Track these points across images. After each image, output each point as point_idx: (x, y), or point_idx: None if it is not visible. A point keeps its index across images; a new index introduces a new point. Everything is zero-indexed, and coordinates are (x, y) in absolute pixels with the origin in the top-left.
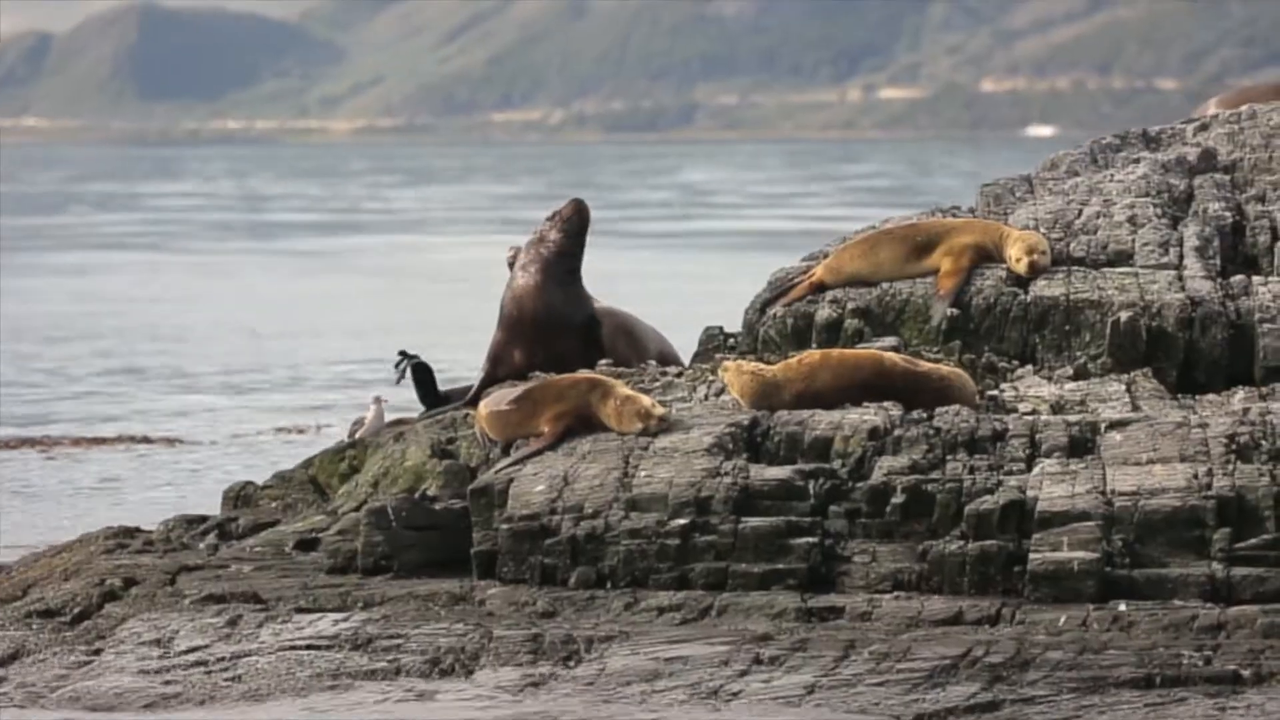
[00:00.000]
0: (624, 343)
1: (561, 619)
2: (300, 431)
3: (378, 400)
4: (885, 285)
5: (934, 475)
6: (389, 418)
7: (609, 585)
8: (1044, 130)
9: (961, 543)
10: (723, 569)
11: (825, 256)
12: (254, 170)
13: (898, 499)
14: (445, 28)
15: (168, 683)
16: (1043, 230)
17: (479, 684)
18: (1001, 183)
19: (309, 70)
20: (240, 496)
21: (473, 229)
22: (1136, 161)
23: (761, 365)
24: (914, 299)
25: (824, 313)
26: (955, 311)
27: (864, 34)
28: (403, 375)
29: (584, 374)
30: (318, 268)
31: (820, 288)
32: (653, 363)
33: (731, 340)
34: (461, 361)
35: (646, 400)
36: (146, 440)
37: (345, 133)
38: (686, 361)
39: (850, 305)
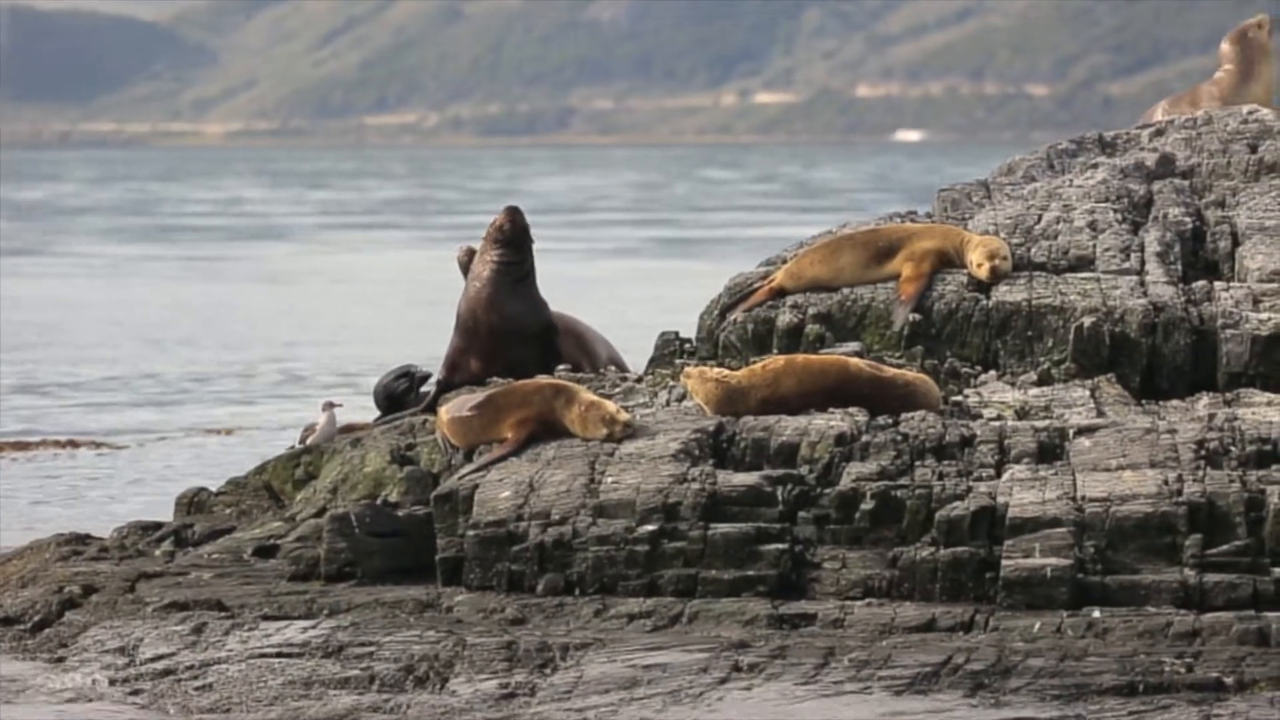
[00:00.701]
0: (573, 346)
1: (532, 626)
2: (229, 433)
3: (329, 406)
4: (846, 290)
5: (903, 481)
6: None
7: (578, 592)
8: (912, 135)
9: (932, 549)
10: (692, 575)
11: (784, 262)
12: (131, 173)
13: (867, 505)
14: (319, 31)
15: (135, 691)
16: (1003, 235)
17: (455, 693)
18: (959, 188)
19: (182, 73)
20: (194, 503)
21: (368, 232)
22: (1095, 167)
23: (725, 371)
24: (875, 304)
25: (785, 318)
26: (917, 317)
27: (739, 39)
28: (417, 387)
29: (547, 379)
30: (212, 271)
31: (780, 293)
32: (612, 368)
33: (688, 345)
34: (363, 361)
35: (611, 406)
36: (73, 445)
37: (219, 136)
38: (633, 367)
39: (811, 310)
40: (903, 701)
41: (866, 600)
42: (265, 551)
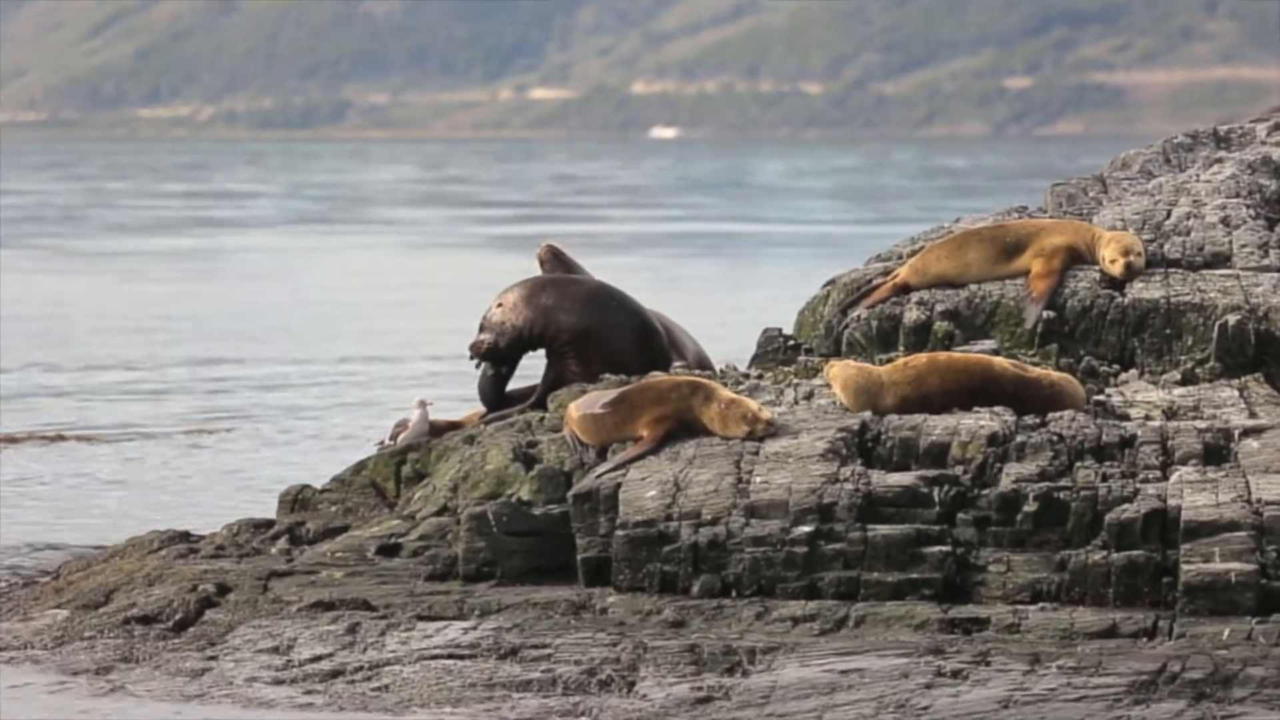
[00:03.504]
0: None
1: (694, 629)
2: (211, 433)
3: (422, 403)
4: (974, 287)
5: (1064, 483)
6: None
7: (734, 594)
8: (668, 132)
9: (1104, 553)
10: (854, 578)
11: (900, 258)
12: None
13: (1029, 507)
14: (91, 21)
15: (309, 691)
16: (1132, 231)
17: (645, 696)
18: (1074, 182)
19: None
20: (298, 500)
21: (178, 226)
22: (1219, 161)
23: (868, 365)
24: (1005, 301)
25: (912, 315)
26: (1050, 314)
27: (515, 34)
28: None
29: (683, 376)
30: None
31: (904, 289)
32: (736, 365)
33: (791, 341)
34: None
35: (752, 404)
36: (60, 438)
37: None
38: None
39: (939, 307)
40: (1123, 711)
41: (1039, 605)
42: (389, 550)
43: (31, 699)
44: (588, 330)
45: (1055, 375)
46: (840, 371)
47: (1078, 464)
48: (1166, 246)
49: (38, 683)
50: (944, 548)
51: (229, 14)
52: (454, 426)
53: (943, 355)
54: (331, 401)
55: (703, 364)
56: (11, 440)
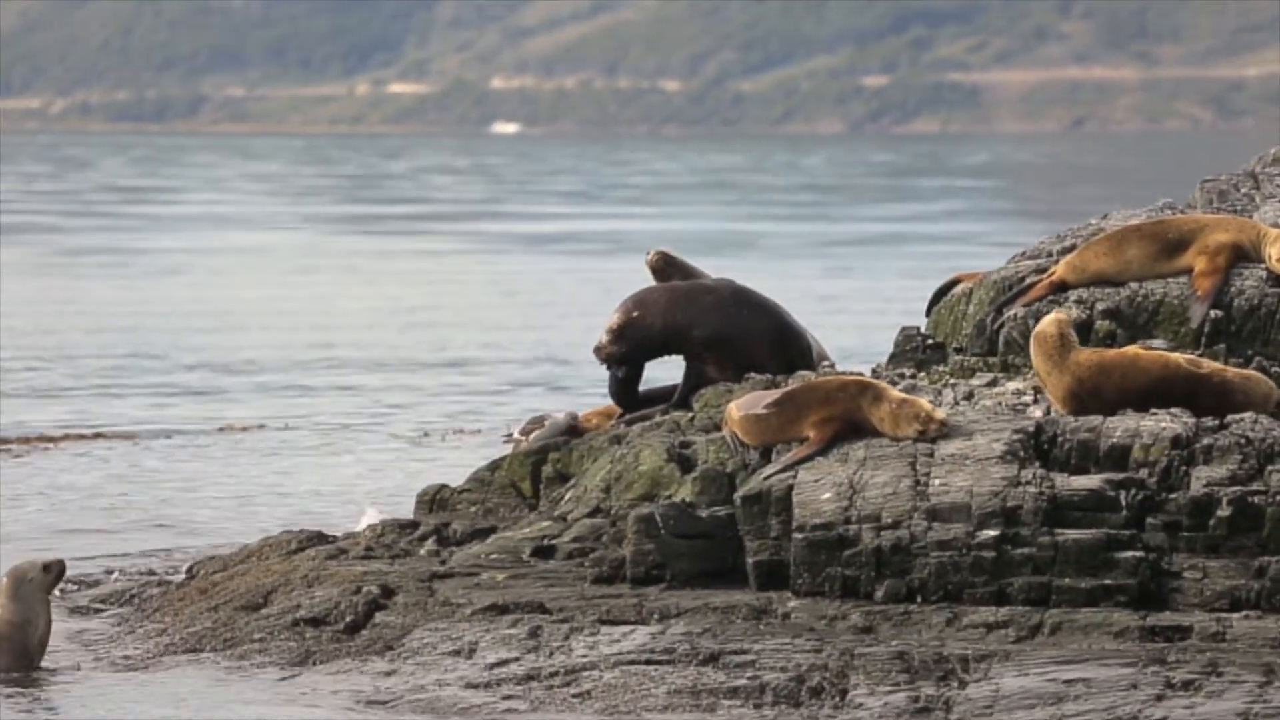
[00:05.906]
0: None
1: (884, 635)
2: (244, 429)
3: (572, 415)
4: (1135, 285)
5: (1257, 486)
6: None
7: (919, 599)
8: (509, 127)
9: None
10: (1044, 584)
11: (1050, 256)
12: None
13: (1223, 512)
14: None
15: (508, 696)
16: None
17: (861, 705)
18: (1224, 178)
19: None
20: (436, 500)
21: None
22: None
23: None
24: (1169, 300)
25: (1071, 313)
26: (1218, 313)
27: (374, 29)
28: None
29: (850, 376)
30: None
31: (1061, 287)
32: (881, 364)
33: (929, 340)
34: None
35: (925, 404)
36: (101, 436)
37: None
38: None
39: (1099, 306)
40: None
41: (1244, 613)
42: (544, 552)
43: (230, 700)
44: (722, 338)
45: (1237, 373)
46: (1043, 328)
47: (1269, 467)
48: None
49: (227, 683)
50: (1136, 553)
51: (81, 4)
52: (574, 428)
53: (1130, 352)
54: (350, 405)
55: (824, 360)
56: (49, 440)
